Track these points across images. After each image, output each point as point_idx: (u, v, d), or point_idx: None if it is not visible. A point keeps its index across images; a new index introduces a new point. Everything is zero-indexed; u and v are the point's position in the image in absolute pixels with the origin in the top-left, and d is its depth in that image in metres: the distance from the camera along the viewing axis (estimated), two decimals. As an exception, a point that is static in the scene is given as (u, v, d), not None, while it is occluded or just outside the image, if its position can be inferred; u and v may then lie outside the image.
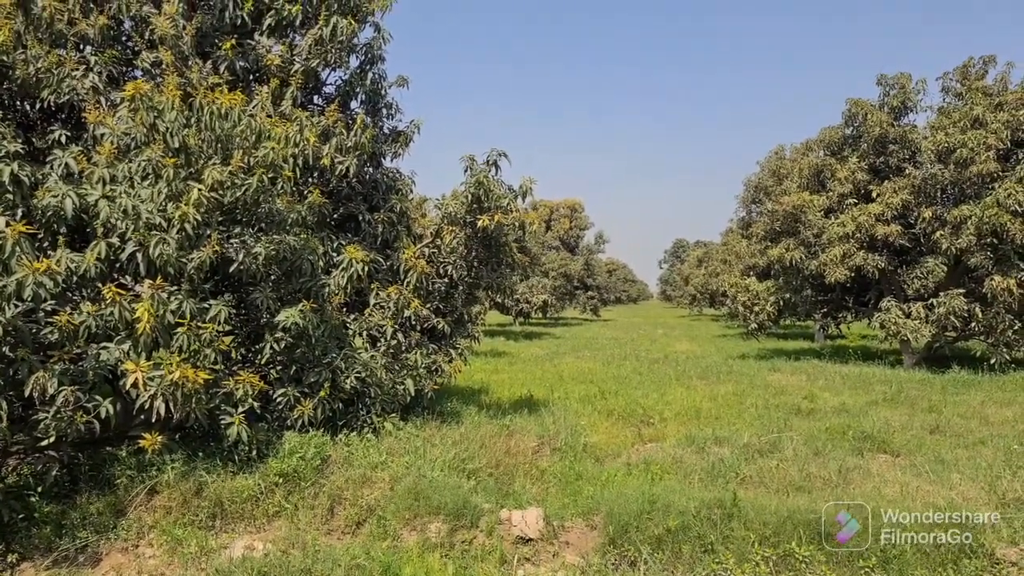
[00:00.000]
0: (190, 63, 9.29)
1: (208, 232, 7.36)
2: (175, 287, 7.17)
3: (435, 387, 10.43)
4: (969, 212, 17.36)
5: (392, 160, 12.09)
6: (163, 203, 7.25)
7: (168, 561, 6.44)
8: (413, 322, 10.44)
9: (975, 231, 17.22)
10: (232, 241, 7.77)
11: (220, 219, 7.77)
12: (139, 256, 7.12)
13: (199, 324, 7.09)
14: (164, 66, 9.08)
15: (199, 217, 7.16)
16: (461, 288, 11.41)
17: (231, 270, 7.68)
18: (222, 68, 9.57)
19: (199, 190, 7.17)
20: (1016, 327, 17.49)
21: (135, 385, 6.60)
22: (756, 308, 23.10)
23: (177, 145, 7.48)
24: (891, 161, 20.11)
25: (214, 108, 7.49)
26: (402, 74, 11.79)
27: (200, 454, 7.53)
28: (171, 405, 6.80)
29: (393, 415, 9.38)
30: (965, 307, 17.53)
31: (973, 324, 17.93)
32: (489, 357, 22.80)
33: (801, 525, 6.25)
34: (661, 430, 11.21)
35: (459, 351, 11.21)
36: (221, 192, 7.45)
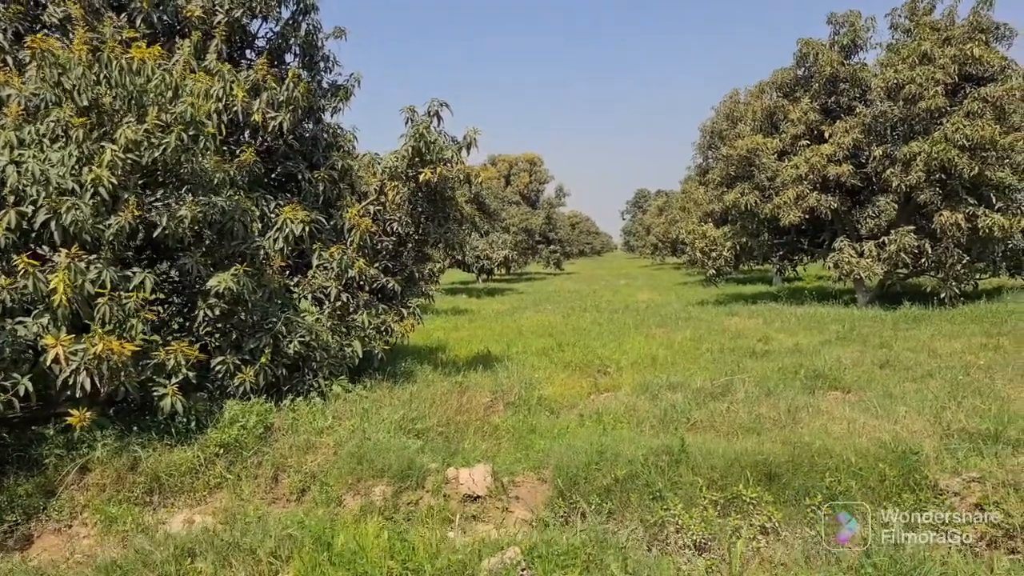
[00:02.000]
0: (103, 16, 8.67)
1: (126, 196, 6.93)
2: (94, 256, 6.77)
3: (385, 348, 10.21)
4: (918, 148, 17.48)
5: (333, 116, 11.64)
6: (75, 166, 6.78)
7: (102, 540, 6.20)
8: (360, 282, 10.16)
9: (924, 167, 17.37)
10: (155, 204, 7.34)
11: (140, 181, 7.32)
12: (52, 224, 6.67)
13: (122, 294, 6.72)
14: (74, 20, 8.46)
15: (114, 180, 6.72)
16: (410, 246, 11.12)
17: (155, 235, 7.27)
18: (138, 21, 8.97)
19: (112, 151, 6.71)
20: (964, 261, 17.84)
21: (56, 361, 6.26)
22: (713, 254, 23.22)
23: (86, 103, 6.97)
24: (842, 100, 20.11)
25: (123, 63, 6.96)
26: (339, 25, 11.26)
27: (135, 428, 7.24)
28: (96, 380, 6.48)
29: (341, 378, 9.16)
30: (915, 244, 17.80)
31: (923, 260, 18.24)
32: (449, 315, 22.62)
33: (748, 467, 6.25)
34: (617, 379, 11.18)
35: (411, 310, 10.97)
36: (138, 153, 7.00)
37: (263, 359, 8.09)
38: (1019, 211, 17.75)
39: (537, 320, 20.32)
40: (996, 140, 16.87)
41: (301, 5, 10.85)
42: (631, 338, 15.37)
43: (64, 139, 6.96)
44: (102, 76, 7.01)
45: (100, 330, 6.51)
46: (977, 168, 16.91)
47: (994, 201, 17.69)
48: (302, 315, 9.19)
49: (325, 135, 11.25)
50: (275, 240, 8.49)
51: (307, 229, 9.04)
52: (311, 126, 11.28)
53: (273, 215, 9.21)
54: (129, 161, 6.91)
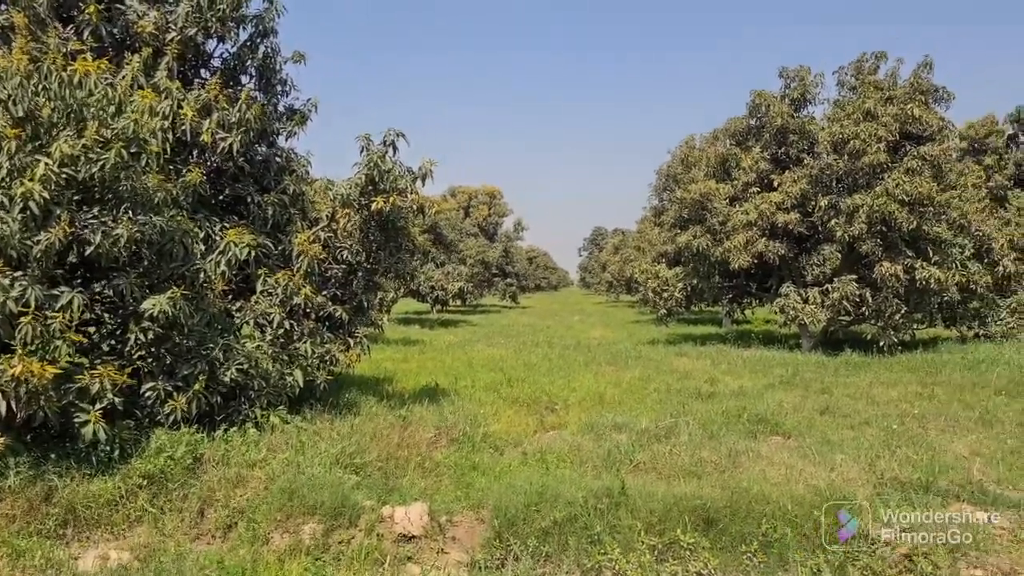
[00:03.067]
0: (48, 27, 8.42)
1: (59, 212, 6.65)
2: (19, 272, 6.45)
3: (329, 378, 9.95)
4: (861, 201, 18.12)
5: (287, 139, 11.48)
6: (4, 179, 6.49)
7: (10, 575, 5.81)
8: (307, 310, 9.92)
9: (866, 219, 18.00)
10: (91, 222, 7.05)
11: (76, 197, 7.03)
12: (-23, 239, 6.35)
13: (48, 314, 6.41)
14: (17, 29, 8.19)
15: (46, 195, 6.45)
16: (360, 274, 10.95)
17: (88, 253, 6.97)
18: (86, 34, 8.71)
19: (46, 164, 6.45)
20: (903, 311, 18.44)
21: (-31, 381, 5.90)
22: (665, 294, 23.53)
23: (22, 114, 6.70)
24: (791, 151, 20.79)
25: (63, 75, 6.74)
26: (298, 49, 11.17)
27: (52, 456, 6.84)
28: (13, 403, 6.15)
29: (280, 408, 8.86)
30: (857, 292, 18.34)
31: (864, 308, 18.80)
32: (400, 345, 22.30)
33: (687, 512, 6.22)
34: (564, 417, 11.12)
35: (358, 340, 10.75)
36: (74, 168, 6.73)
37: (197, 386, 7.77)
38: (954, 265, 18.47)
39: (488, 354, 20.18)
40: (933, 196, 17.65)
41: (260, 28, 10.72)
42: (580, 375, 15.36)
43: (-5, 150, 6.67)
44: (40, 87, 6.76)
45: (21, 351, 6.19)
46: (915, 222, 17.62)
47: (931, 254, 18.39)
48: (243, 342, 8.91)
49: (278, 158, 11.06)
50: (217, 263, 8.24)
51: (252, 253, 8.81)
52: (264, 149, 11.08)
53: (218, 237, 8.96)
54: (64, 176, 6.64)
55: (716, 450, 8.50)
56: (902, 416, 10.47)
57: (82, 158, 6.75)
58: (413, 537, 6.24)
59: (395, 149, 10.31)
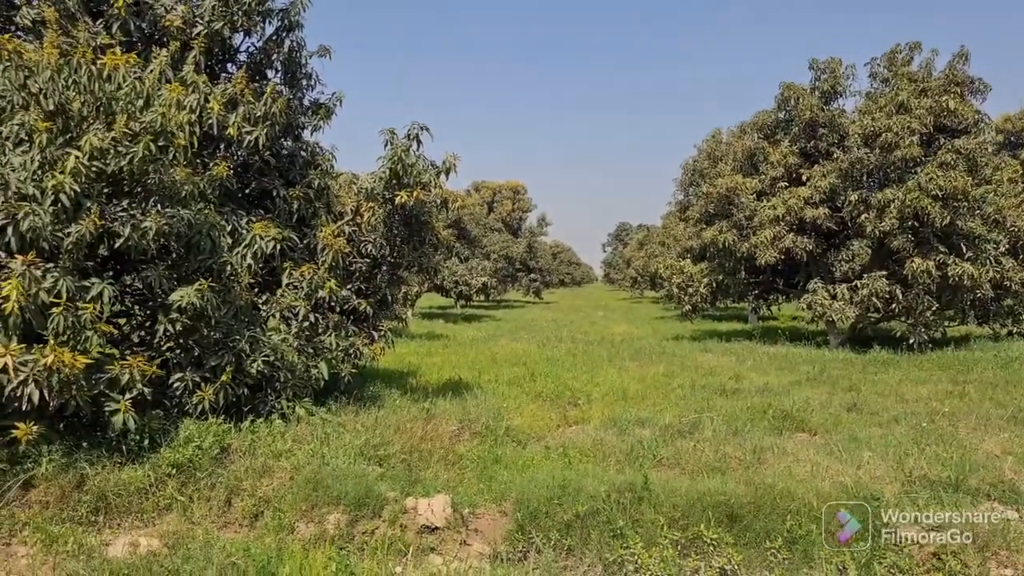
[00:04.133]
0: (78, 21, 8.56)
1: (89, 204, 6.76)
2: (51, 264, 6.58)
3: (354, 371, 10.04)
4: (892, 196, 17.78)
5: (312, 133, 11.58)
6: (36, 171, 6.62)
7: (43, 560, 5.93)
8: (331, 303, 10.01)
9: (898, 214, 17.65)
10: (120, 215, 7.16)
11: (105, 191, 7.15)
12: (10, 230, 6.47)
13: (79, 305, 6.53)
14: (48, 24, 8.34)
15: (77, 187, 6.55)
16: (384, 268, 11.01)
17: (117, 246, 7.09)
18: (115, 28, 8.85)
19: (77, 158, 6.56)
20: (934, 308, 18.07)
21: (4, 370, 6.03)
22: (690, 290, 23.33)
23: (52, 108, 6.83)
24: (821, 145, 20.45)
25: (92, 68, 6.85)
26: (323, 43, 11.24)
27: (84, 444, 6.98)
28: (46, 392, 6.26)
29: (306, 400, 8.95)
30: (887, 289, 18.01)
31: (894, 305, 18.45)
32: (424, 340, 22.42)
33: (711, 507, 6.16)
34: (587, 412, 11.08)
35: (382, 333, 10.82)
36: (104, 161, 6.84)
37: (224, 377, 7.88)
38: (988, 261, 18.05)
39: (512, 349, 20.19)
40: (968, 191, 17.25)
41: (285, 22, 10.81)
42: (604, 371, 15.30)
43: (28, 143, 6.81)
44: (70, 81, 6.88)
45: (53, 341, 6.31)
46: (949, 217, 17.24)
47: (964, 250, 17.99)
48: (269, 334, 9.00)
49: (303, 153, 11.15)
50: (243, 256, 8.34)
51: (278, 247, 8.92)
52: (289, 143, 11.18)
53: (245, 231, 9.07)
54: (94, 169, 6.75)
55: (740, 446, 8.41)
56: (932, 414, 10.27)
57: (111, 151, 6.86)
58: (436, 528, 6.26)
59: (419, 143, 10.35)
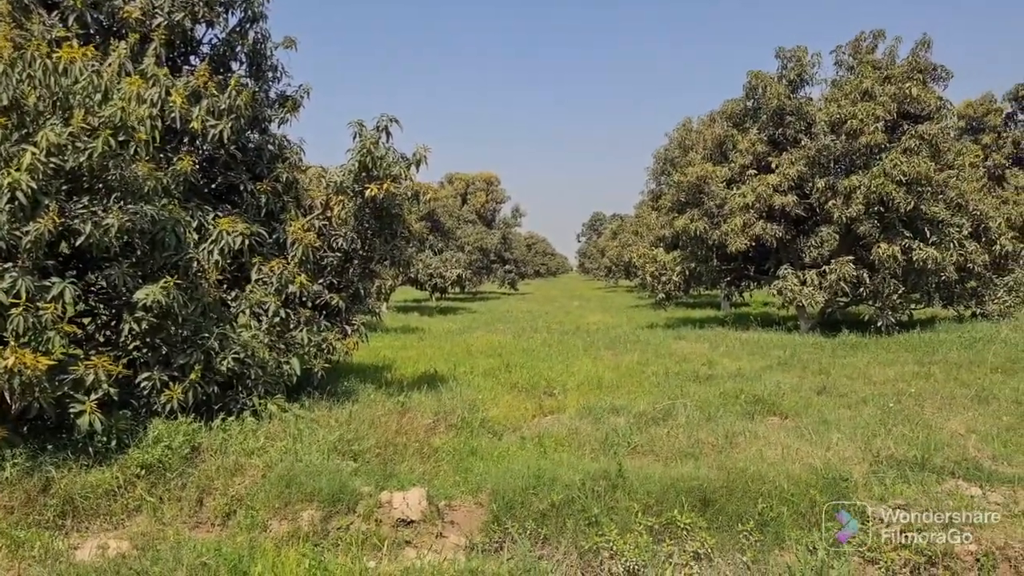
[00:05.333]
0: (32, 14, 8.32)
1: (47, 202, 6.59)
2: (9, 264, 6.41)
3: (327, 366, 9.94)
4: (858, 182, 18.05)
5: (280, 126, 11.39)
6: (-9, 169, 6.43)
7: (8, 567, 5.80)
8: (303, 298, 9.89)
9: (864, 200, 17.93)
10: (80, 212, 6.99)
11: (64, 187, 6.98)
12: (-35, 230, 6.30)
13: (39, 305, 6.37)
14: (0, 16, 8.09)
15: (34, 184, 6.38)
16: (356, 262, 10.91)
17: (79, 244, 6.93)
18: (71, 20, 8.61)
19: (33, 154, 6.39)
20: (900, 291, 18.41)
21: (-38, 374, 5.88)
22: (664, 278, 23.48)
23: (6, 103, 6.62)
24: (788, 133, 20.66)
25: (48, 63, 6.66)
26: (289, 35, 11.05)
27: (49, 447, 6.84)
28: (7, 395, 6.12)
29: (278, 397, 8.84)
30: (854, 273, 18.30)
31: (862, 289, 18.78)
32: (399, 333, 22.30)
33: (684, 492, 6.23)
34: (562, 401, 11.12)
35: (355, 327, 10.73)
36: (61, 157, 6.67)
37: (193, 376, 7.76)
38: (951, 245, 18.43)
39: (487, 340, 20.16)
40: (931, 176, 17.58)
41: (249, 13, 10.61)
42: (579, 360, 15.35)
43: (-19, 140, 6.61)
44: (25, 75, 6.68)
45: (14, 342, 6.16)
46: (913, 202, 17.56)
47: (928, 234, 18.34)
48: (239, 331, 8.87)
49: (270, 146, 10.98)
50: (210, 252, 8.21)
51: (246, 242, 8.78)
52: (256, 136, 11.00)
53: (211, 226, 8.91)
54: (52, 165, 6.58)
55: (713, 432, 8.51)
56: (899, 395, 10.48)
57: (69, 147, 6.69)
58: (411, 522, 6.24)
59: (388, 135, 10.24)
